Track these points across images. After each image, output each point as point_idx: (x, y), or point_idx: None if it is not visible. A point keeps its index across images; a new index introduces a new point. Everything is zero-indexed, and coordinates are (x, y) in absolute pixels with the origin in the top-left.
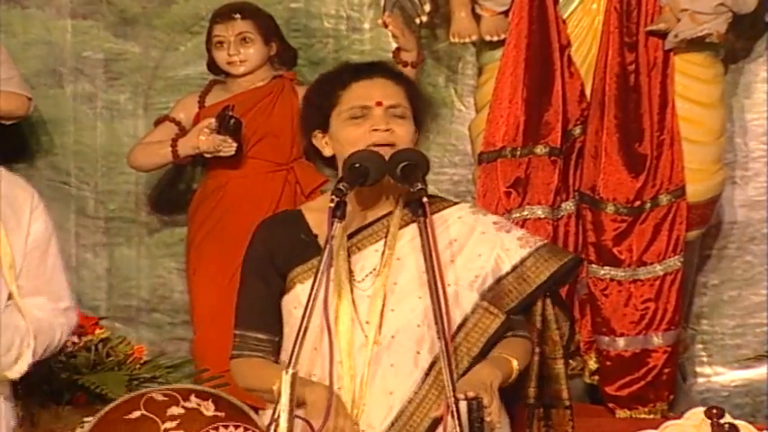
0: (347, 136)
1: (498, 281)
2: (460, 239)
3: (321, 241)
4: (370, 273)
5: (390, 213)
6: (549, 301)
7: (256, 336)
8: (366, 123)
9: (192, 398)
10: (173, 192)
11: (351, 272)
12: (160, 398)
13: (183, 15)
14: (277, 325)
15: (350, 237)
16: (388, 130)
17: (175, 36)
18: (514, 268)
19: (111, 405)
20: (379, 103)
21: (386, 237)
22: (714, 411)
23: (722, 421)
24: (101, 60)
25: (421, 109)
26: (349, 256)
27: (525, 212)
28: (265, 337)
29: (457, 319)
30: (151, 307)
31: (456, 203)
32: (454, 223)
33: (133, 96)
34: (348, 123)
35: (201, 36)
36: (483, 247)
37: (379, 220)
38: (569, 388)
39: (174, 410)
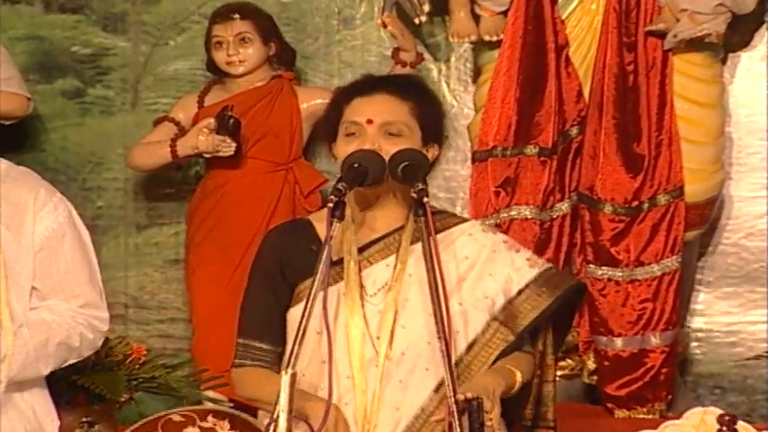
0: (340, 152)
1: (510, 301)
2: (472, 257)
3: (332, 255)
4: (382, 288)
5: (402, 228)
6: (550, 328)
7: (261, 346)
8: (357, 141)
9: (210, 418)
10: (161, 189)
11: (362, 286)
12: (178, 419)
13: (172, 10)
14: (281, 335)
15: (361, 251)
16: (375, 150)
17: (165, 31)
18: (522, 290)
19: (131, 429)
20: (369, 121)
21: (397, 251)
22: (727, 419)
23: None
24: (89, 55)
25: (432, 125)
26: (360, 270)
27: (513, 212)
28: (269, 348)
29: (468, 337)
30: (139, 304)
31: (466, 220)
32: (465, 241)
33: (122, 92)
34: (343, 139)
35: (191, 31)
36: (494, 267)
37: (390, 234)
38: (555, 410)
39: (190, 430)
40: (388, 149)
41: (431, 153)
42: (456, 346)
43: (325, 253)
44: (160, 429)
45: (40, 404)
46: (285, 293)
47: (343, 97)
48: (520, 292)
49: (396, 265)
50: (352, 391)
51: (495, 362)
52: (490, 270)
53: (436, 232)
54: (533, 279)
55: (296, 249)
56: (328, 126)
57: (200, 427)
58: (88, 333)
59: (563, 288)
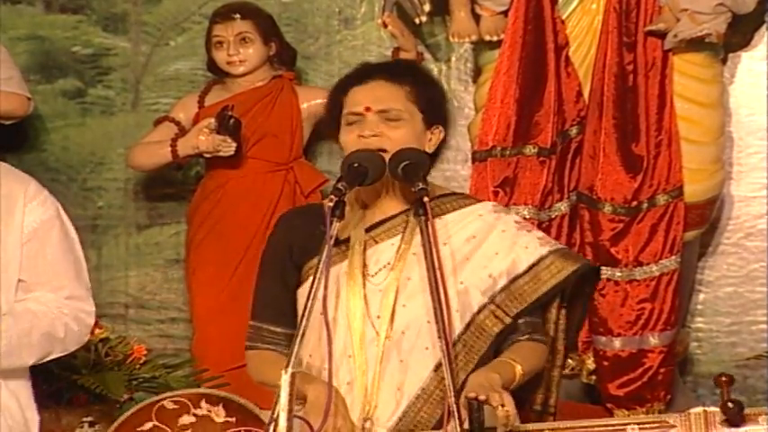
0: (343, 141)
1: (513, 280)
2: (479, 236)
3: (340, 234)
4: (384, 267)
5: (410, 209)
6: (564, 311)
7: (270, 328)
8: (357, 128)
9: (203, 404)
10: (162, 189)
11: (365, 265)
12: (171, 406)
13: (173, 10)
14: (292, 317)
15: (368, 230)
16: (375, 135)
17: (165, 31)
18: (531, 267)
19: (125, 416)
20: (368, 109)
21: (404, 231)
22: (724, 378)
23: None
24: (90, 56)
25: (432, 107)
26: (365, 249)
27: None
28: (280, 330)
29: (465, 317)
30: (139, 304)
31: (479, 201)
32: (474, 220)
33: (122, 92)
34: (344, 129)
35: (192, 31)
36: (501, 245)
37: (399, 214)
38: (558, 396)
39: (186, 419)
40: (390, 134)
41: (435, 136)
42: (454, 325)
43: (326, 252)
44: (154, 417)
45: (23, 396)
46: (294, 276)
47: (341, 89)
48: (527, 271)
49: (400, 245)
50: (354, 370)
51: (489, 348)
52: (496, 249)
53: (447, 213)
54: (544, 256)
55: (304, 231)
56: (330, 118)
57: (194, 415)
58: (73, 325)
59: (572, 268)
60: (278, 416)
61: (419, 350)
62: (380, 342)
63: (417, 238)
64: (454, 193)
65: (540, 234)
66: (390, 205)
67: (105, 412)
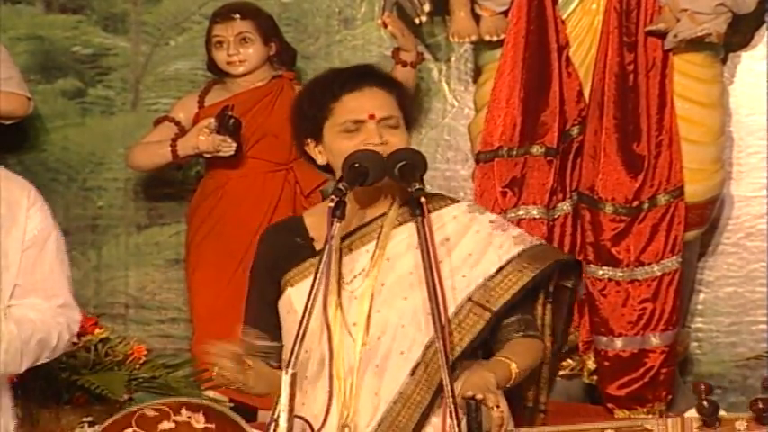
0: (340, 148)
1: (488, 280)
2: (453, 239)
3: (316, 244)
4: (359, 274)
5: (384, 214)
6: (549, 306)
7: (260, 343)
8: (359, 136)
9: (183, 411)
10: (162, 189)
11: (340, 274)
12: (151, 413)
13: (173, 10)
14: (276, 331)
15: (343, 239)
16: (383, 143)
17: (165, 31)
18: (503, 267)
19: (105, 424)
20: (371, 116)
21: (378, 237)
22: (703, 387)
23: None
24: (90, 56)
25: (411, 112)
26: (340, 257)
27: (520, 212)
28: (265, 344)
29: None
30: (139, 304)
31: (455, 202)
32: (449, 222)
33: (122, 92)
34: (342, 137)
35: (192, 31)
36: (475, 247)
37: (373, 221)
38: (548, 393)
39: (165, 425)
40: (392, 141)
41: (409, 140)
42: (428, 328)
43: (326, 253)
44: (134, 424)
45: (5, 400)
46: (273, 289)
47: (328, 95)
48: (499, 270)
49: (375, 251)
50: (332, 378)
51: (468, 348)
52: (470, 250)
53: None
54: (516, 256)
55: (284, 245)
56: (312, 125)
57: (175, 422)
58: (65, 333)
59: (546, 263)
60: (278, 416)
61: (395, 354)
62: (357, 349)
63: (391, 244)
64: (430, 194)
65: (517, 232)
66: (368, 212)
67: (105, 412)
